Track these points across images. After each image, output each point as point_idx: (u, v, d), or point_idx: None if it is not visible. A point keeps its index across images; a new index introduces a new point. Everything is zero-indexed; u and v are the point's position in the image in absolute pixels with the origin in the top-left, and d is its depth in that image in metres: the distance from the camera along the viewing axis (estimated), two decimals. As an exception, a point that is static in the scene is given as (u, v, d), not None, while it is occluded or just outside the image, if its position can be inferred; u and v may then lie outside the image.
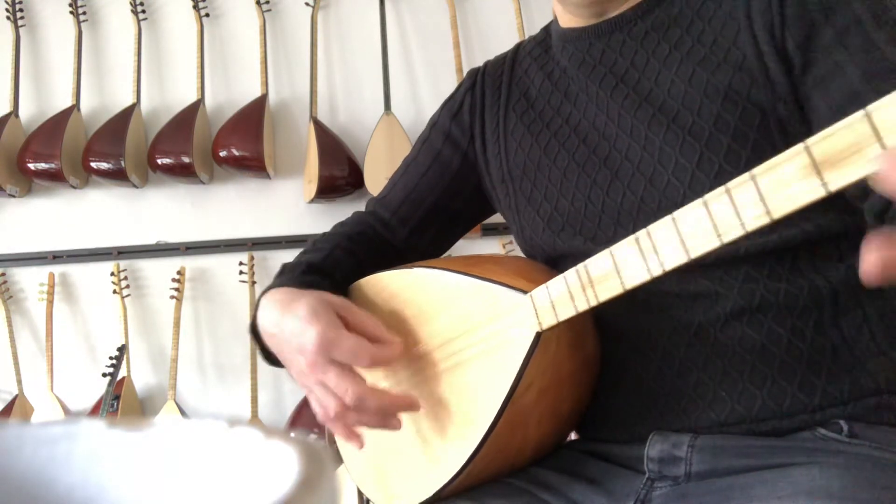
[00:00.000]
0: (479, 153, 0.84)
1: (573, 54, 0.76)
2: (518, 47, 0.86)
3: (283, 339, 0.67)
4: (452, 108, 0.87)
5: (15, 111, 2.18)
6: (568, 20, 0.77)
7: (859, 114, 0.38)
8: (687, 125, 0.65)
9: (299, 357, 0.65)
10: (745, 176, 0.45)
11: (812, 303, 0.62)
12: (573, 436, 0.80)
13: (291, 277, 0.75)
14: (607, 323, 0.69)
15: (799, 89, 0.63)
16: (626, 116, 0.69)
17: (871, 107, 0.38)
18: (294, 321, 0.65)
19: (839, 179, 0.40)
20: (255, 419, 2.09)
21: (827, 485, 0.54)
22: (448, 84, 2.17)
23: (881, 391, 0.62)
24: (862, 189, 0.58)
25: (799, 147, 0.42)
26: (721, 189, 0.47)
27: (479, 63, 0.89)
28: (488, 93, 0.84)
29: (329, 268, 0.79)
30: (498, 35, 2.22)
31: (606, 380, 0.70)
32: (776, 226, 0.62)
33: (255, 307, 0.74)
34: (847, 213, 0.63)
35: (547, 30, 0.83)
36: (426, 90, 2.24)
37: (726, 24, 0.67)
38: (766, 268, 0.63)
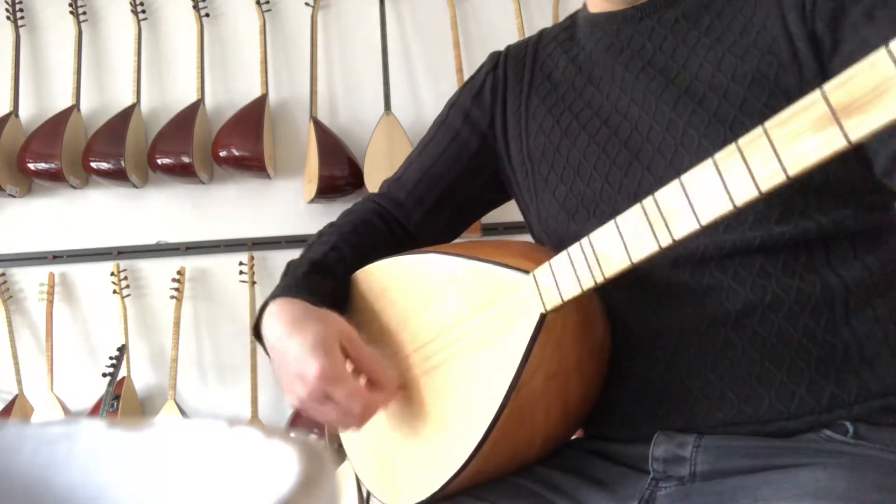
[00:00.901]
0: (498, 135, 0.83)
1: (601, 38, 0.76)
2: (541, 33, 0.86)
3: (285, 361, 0.66)
4: (473, 89, 0.86)
5: (15, 111, 2.18)
6: (598, 5, 0.78)
7: (881, 51, 0.36)
8: (713, 108, 0.65)
9: (298, 382, 0.65)
10: (758, 130, 0.42)
11: (824, 302, 0.62)
12: (578, 434, 0.79)
13: (296, 279, 0.75)
14: (615, 318, 0.68)
15: (828, 71, 0.62)
16: (650, 98, 0.69)
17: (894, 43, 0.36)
18: (298, 348, 0.64)
19: (862, 127, 0.37)
20: (255, 419, 2.09)
21: (832, 486, 0.53)
22: (448, 84, 2.17)
23: (888, 393, 0.61)
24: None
25: (815, 94, 0.39)
26: (731, 147, 0.44)
27: (480, 63, 0.89)
28: (511, 75, 0.84)
29: (332, 265, 0.78)
30: (498, 35, 2.22)
31: (613, 377, 0.70)
32: (791, 216, 0.62)
33: (260, 308, 0.74)
34: (865, 210, 0.62)
35: (573, 17, 0.84)
36: (426, 90, 2.24)
37: (757, 10, 0.67)
38: (780, 262, 0.62)
